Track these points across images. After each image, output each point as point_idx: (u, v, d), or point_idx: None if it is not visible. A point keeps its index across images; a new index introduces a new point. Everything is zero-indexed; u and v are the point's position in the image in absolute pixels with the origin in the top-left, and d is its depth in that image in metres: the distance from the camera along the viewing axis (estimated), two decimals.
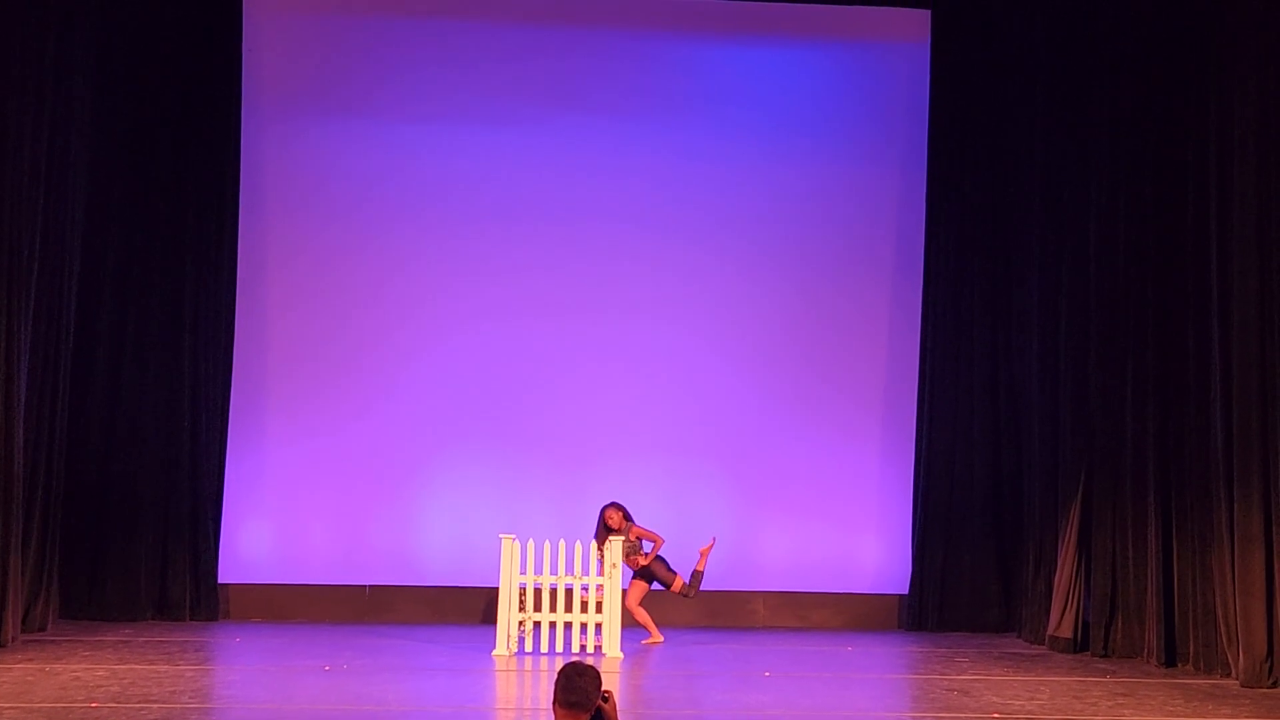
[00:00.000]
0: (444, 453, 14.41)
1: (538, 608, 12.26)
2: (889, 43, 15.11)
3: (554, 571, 12.31)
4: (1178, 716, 9.61)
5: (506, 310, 14.59)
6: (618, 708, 5.26)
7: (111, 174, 13.91)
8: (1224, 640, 11.22)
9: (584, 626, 12.34)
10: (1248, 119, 10.98)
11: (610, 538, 12.40)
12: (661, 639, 12.94)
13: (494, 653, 12.06)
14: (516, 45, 14.79)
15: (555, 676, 5.10)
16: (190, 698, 9.70)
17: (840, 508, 14.67)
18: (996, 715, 9.52)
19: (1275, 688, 10.57)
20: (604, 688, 5.15)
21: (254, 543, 14.27)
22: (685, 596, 13.09)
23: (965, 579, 14.38)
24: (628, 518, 12.81)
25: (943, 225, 14.68)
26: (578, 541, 12.50)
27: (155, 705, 9.25)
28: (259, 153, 14.50)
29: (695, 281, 14.76)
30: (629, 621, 12.65)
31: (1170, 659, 11.87)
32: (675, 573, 12.97)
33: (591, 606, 12.29)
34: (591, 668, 5.15)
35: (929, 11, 14.83)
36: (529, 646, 12.22)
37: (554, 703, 5.13)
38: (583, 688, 5.07)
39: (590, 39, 14.99)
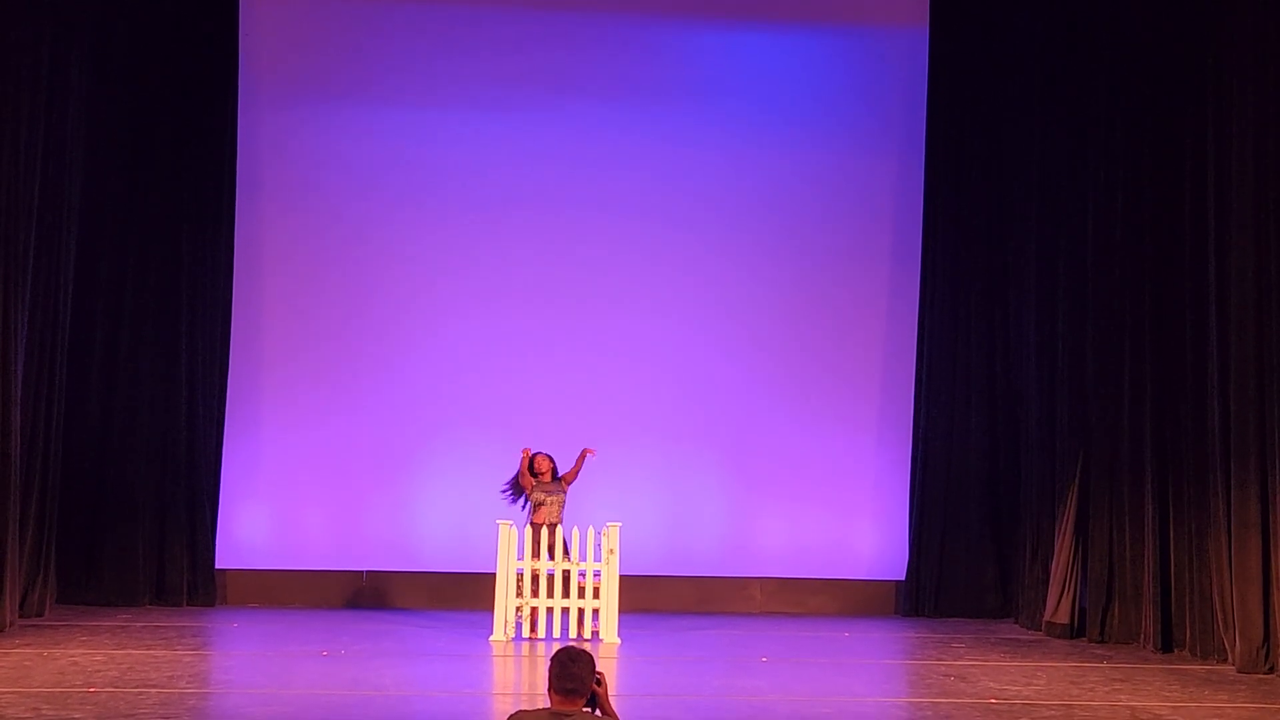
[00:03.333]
0: (441, 439, 14.41)
1: (535, 593, 12.28)
2: (887, 29, 15.07)
3: (551, 555, 12.32)
4: (1174, 702, 9.62)
5: (503, 298, 14.57)
6: (610, 691, 5.27)
7: (108, 163, 13.87)
8: (1220, 626, 11.24)
9: (581, 612, 12.35)
10: (1246, 111, 10.98)
11: (604, 530, 12.40)
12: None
13: (491, 638, 12.09)
14: (514, 33, 14.74)
15: (549, 663, 5.11)
16: (188, 682, 9.72)
17: (837, 494, 14.67)
18: (993, 701, 9.54)
19: (1271, 673, 10.59)
20: (596, 670, 5.16)
21: (251, 528, 14.27)
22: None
23: (962, 565, 14.38)
24: (555, 470, 12.71)
25: (940, 213, 14.65)
26: (574, 528, 12.50)
27: (153, 690, 9.26)
28: (256, 142, 14.46)
29: (692, 269, 14.74)
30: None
31: (1167, 645, 11.89)
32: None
33: (589, 592, 12.30)
34: (585, 653, 5.16)
35: None
36: (526, 632, 12.24)
37: (549, 689, 5.14)
38: (577, 674, 5.07)
39: (586, 26, 14.94)
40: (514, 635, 12.14)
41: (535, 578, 12.30)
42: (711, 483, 14.60)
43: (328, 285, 14.51)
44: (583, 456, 12.79)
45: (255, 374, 14.38)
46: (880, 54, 15.04)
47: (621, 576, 12.36)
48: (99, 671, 9.87)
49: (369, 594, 14.26)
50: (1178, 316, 11.99)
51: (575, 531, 12.48)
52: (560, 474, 12.75)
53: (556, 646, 5.30)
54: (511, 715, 5.10)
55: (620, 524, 12.44)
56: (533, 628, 12.29)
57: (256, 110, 14.47)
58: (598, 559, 12.32)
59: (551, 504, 12.58)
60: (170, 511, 13.82)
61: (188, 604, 13.71)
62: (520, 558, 12.29)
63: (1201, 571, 11.55)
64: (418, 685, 10.24)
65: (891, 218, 14.98)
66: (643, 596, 13.73)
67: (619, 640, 12.06)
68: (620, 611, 12.29)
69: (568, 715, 5.05)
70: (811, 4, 15.07)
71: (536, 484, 12.63)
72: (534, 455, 12.73)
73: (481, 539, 12.92)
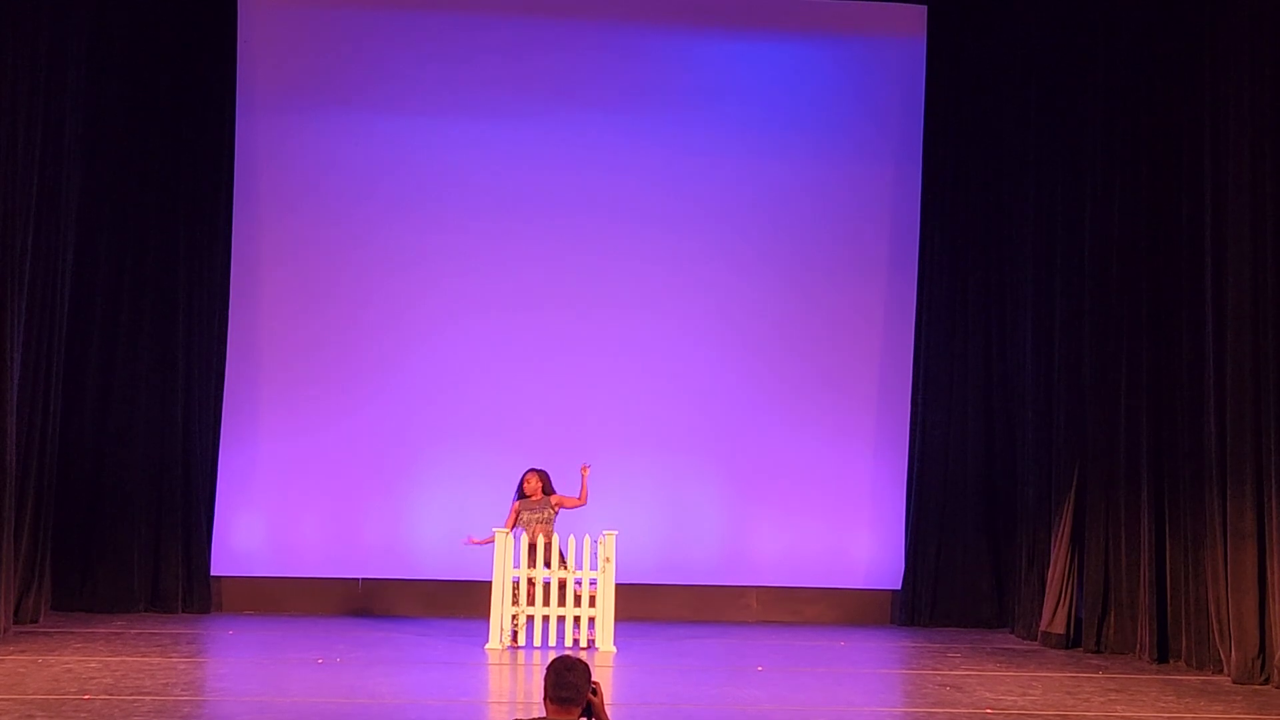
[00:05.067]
0: (437, 446, 14.40)
1: (530, 601, 12.27)
2: (885, 38, 15.10)
3: (547, 565, 12.31)
4: (1170, 712, 9.62)
5: (500, 304, 14.58)
6: (606, 700, 5.26)
7: (105, 167, 13.88)
8: (1216, 636, 11.24)
9: (577, 620, 12.34)
10: (1242, 115, 10.99)
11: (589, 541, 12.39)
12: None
13: (486, 646, 12.07)
14: (512, 39, 14.76)
15: (545, 671, 5.11)
16: (183, 690, 9.71)
17: (833, 503, 14.67)
18: (989, 711, 9.53)
19: (1267, 684, 10.59)
20: (593, 679, 5.16)
21: (247, 535, 14.26)
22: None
23: (958, 574, 14.38)
24: (548, 487, 12.68)
25: (937, 221, 14.67)
26: (570, 536, 12.49)
27: (148, 697, 9.24)
28: (253, 146, 14.47)
29: (689, 276, 14.75)
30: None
31: (1163, 655, 11.89)
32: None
33: (585, 600, 12.29)
34: (581, 662, 5.15)
35: (925, 7, 14.82)
36: (521, 640, 12.22)
37: (545, 698, 5.14)
38: (573, 683, 5.07)
39: (585, 33, 14.96)
40: (509, 643, 12.12)
41: (526, 585, 12.28)
42: (708, 491, 14.59)
43: (324, 292, 14.51)
44: (584, 478, 12.65)
45: (251, 380, 14.37)
46: (878, 63, 15.06)
47: (618, 585, 12.35)
48: (94, 679, 9.85)
49: (364, 601, 14.24)
50: (1174, 327, 12.01)
51: (571, 540, 12.47)
52: (554, 493, 12.62)
53: (551, 655, 5.29)
54: None
55: (616, 532, 12.43)
56: (514, 637, 12.22)
57: (254, 116, 14.47)
58: (594, 567, 12.31)
59: (536, 524, 12.50)
60: (166, 518, 13.80)
61: (183, 611, 13.69)
62: (516, 566, 12.29)
63: (1197, 582, 11.55)
64: (413, 693, 10.22)
65: (889, 224, 14.99)
66: (639, 605, 13.74)
67: (615, 649, 12.05)
68: (616, 620, 12.28)
69: None
70: (811, 14, 15.09)
71: (522, 505, 12.57)
72: (525, 474, 12.64)
73: (477, 547, 12.89)
